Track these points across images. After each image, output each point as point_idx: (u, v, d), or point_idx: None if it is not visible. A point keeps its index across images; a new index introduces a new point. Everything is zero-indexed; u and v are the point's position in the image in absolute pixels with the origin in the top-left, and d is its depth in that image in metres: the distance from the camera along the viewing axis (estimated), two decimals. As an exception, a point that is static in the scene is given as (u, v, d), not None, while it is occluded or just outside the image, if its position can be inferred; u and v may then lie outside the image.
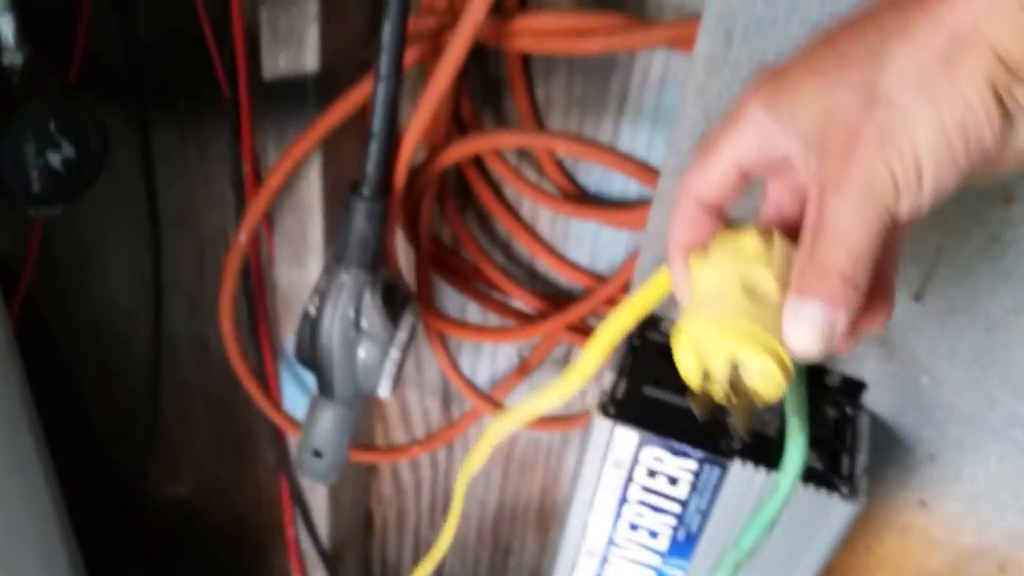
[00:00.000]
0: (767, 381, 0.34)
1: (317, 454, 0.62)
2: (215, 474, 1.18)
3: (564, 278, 0.79)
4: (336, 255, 0.55)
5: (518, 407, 0.48)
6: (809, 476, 0.50)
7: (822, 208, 0.30)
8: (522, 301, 0.77)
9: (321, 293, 0.56)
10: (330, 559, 0.97)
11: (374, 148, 0.52)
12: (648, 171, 0.62)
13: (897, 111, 0.28)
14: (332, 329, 0.56)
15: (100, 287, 1.03)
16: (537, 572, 1.06)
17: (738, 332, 0.33)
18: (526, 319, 0.77)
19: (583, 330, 0.76)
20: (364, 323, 0.56)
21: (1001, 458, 0.59)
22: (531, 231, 0.76)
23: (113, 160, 0.65)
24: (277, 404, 0.78)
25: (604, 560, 0.59)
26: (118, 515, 1.27)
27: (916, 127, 0.28)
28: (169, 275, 0.99)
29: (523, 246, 0.77)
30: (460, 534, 1.06)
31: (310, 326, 0.56)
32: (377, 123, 0.51)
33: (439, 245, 0.78)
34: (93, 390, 1.15)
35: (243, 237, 0.63)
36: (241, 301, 0.79)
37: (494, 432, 0.50)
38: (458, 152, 0.62)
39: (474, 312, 0.83)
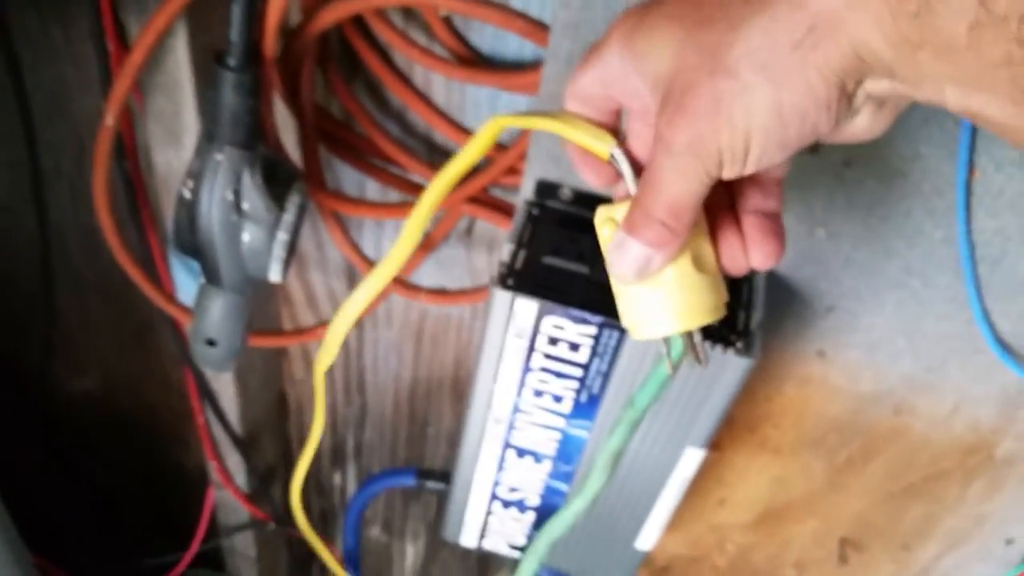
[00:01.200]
0: None
1: (211, 343, 0.60)
2: (120, 367, 1.14)
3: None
4: (208, 133, 0.51)
5: (359, 288, 0.46)
6: (704, 333, 0.50)
7: (652, 158, 0.32)
8: (420, 174, 0.74)
9: (195, 175, 0.52)
10: (243, 443, 0.96)
11: (236, 12, 0.47)
12: (541, 29, 0.59)
13: (739, 85, 0.28)
14: (211, 213, 0.52)
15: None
16: (455, 440, 1.08)
17: None
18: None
19: (485, 201, 0.74)
20: (245, 205, 0.53)
21: (898, 305, 0.60)
22: (425, 100, 0.72)
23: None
24: (169, 294, 0.75)
25: (510, 427, 0.59)
26: (25, 415, 1.23)
27: (753, 105, 0.28)
28: (48, 165, 0.92)
29: (418, 116, 0.73)
30: (377, 409, 1.07)
31: (186, 211, 0.53)
32: (238, -18, 0.47)
33: (328, 119, 0.73)
34: (-20, 290, 1.08)
35: (109, 120, 0.57)
36: (121, 188, 0.74)
37: (342, 319, 0.48)
38: (335, 13, 0.57)
39: (373, 189, 0.80)
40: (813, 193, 0.55)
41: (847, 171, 0.55)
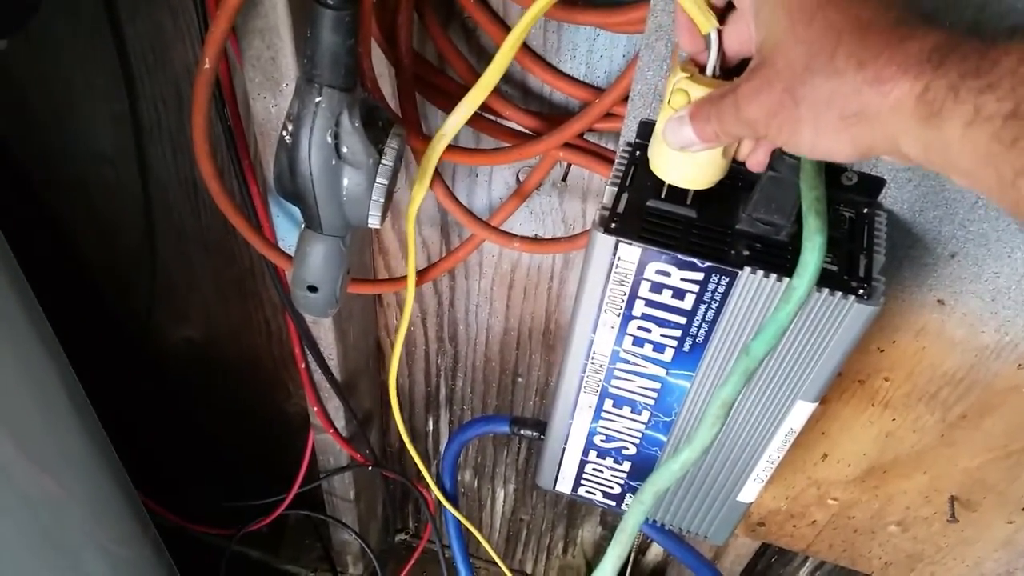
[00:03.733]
0: None
1: (312, 288, 0.60)
2: (223, 315, 1.18)
3: (559, 93, 0.74)
4: (306, 74, 0.51)
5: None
6: (824, 279, 0.47)
7: (745, 80, 0.38)
8: (516, 120, 0.73)
9: (294, 118, 0.52)
10: (343, 388, 0.98)
11: (334, -51, 0.46)
12: (645, -39, 0.56)
13: (797, 112, 0.36)
14: (311, 157, 0.52)
15: (81, 137, 0.99)
16: (545, 391, 1.08)
17: None
18: (521, 139, 0.73)
19: (582, 148, 0.72)
20: (345, 149, 0.52)
21: (1027, 250, 0.56)
22: (521, 43, 0.70)
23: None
24: (271, 241, 0.76)
25: (610, 375, 0.58)
26: (131, 363, 1.29)
27: (800, 131, 0.36)
28: (149, 118, 0.94)
29: (513, 60, 0.72)
30: (469, 360, 1.07)
31: (287, 155, 0.52)
32: (336, -81, 0.45)
33: (423, 64, 0.72)
34: (89, 243, 1.13)
35: (207, 63, 0.58)
36: (221, 137, 0.75)
37: (438, 142, 0.56)
38: (432, -48, 0.56)
39: (466, 135, 0.79)
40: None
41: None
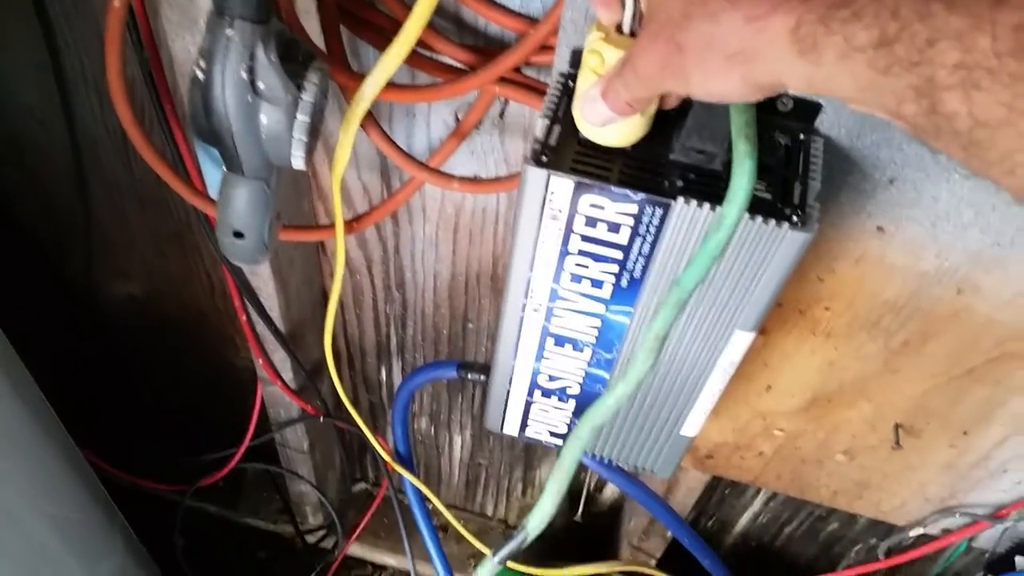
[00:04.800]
0: None
1: (238, 235, 0.58)
2: (162, 270, 1.14)
3: (494, 25, 0.72)
4: (216, 6, 0.48)
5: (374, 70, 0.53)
6: (756, 206, 0.46)
7: (638, 44, 0.39)
8: (450, 55, 0.70)
9: (206, 54, 0.49)
10: (287, 340, 0.96)
11: None
12: None
13: (685, 59, 0.36)
14: (225, 94, 0.49)
15: (4, 92, 0.94)
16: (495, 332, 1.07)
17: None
18: (457, 74, 0.71)
19: (518, 83, 0.70)
20: (261, 84, 0.50)
21: (966, 174, 0.56)
22: (452, -29, 0.68)
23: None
24: (200, 190, 0.73)
25: (549, 314, 0.57)
26: (73, 321, 1.25)
27: (691, 77, 0.37)
28: (72, 68, 0.90)
29: (445, -10, 0.69)
30: (418, 305, 1.06)
31: (200, 93, 0.50)
32: None
33: (351, -3, 0.69)
34: (23, 201, 1.08)
35: (116, 2, 0.54)
36: (141, 83, 0.71)
37: (356, 105, 0.54)
38: None
39: (401, 72, 0.76)
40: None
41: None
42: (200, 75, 0.49)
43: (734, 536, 1.35)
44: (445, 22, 0.73)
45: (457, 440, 1.33)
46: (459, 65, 0.71)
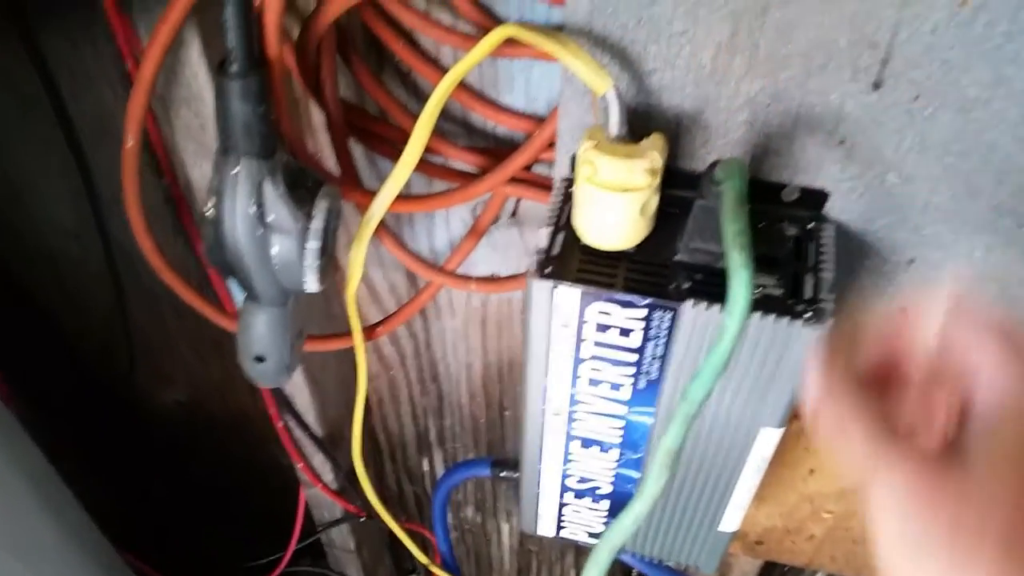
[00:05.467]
0: None
1: (259, 359, 0.59)
2: (204, 374, 1.16)
3: (503, 127, 0.73)
4: (222, 147, 0.50)
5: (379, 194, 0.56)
6: (768, 304, 0.46)
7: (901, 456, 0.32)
8: (460, 160, 0.71)
9: (215, 192, 0.50)
10: (325, 442, 0.96)
11: (230, 13, 0.45)
12: (562, -8, 0.55)
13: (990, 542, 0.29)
14: (236, 230, 0.50)
15: (41, 213, 0.98)
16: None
17: None
18: (469, 178, 0.72)
19: (529, 181, 0.70)
20: (270, 217, 0.51)
21: (988, 249, 0.54)
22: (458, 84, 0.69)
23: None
24: (224, 308, 0.74)
25: (570, 418, 0.56)
26: (118, 426, 1.27)
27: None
28: (104, 189, 0.93)
29: (452, 99, 0.70)
30: (454, 398, 1.05)
31: (212, 230, 0.51)
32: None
33: (362, 114, 0.71)
34: (64, 314, 1.12)
35: (130, 141, 0.57)
36: (163, 207, 0.73)
37: (360, 239, 0.56)
38: None
39: (417, 180, 0.78)
40: (880, 134, 0.50)
41: (916, 106, 0.49)
42: (211, 212, 0.51)
43: (799, 612, 1.29)
44: (455, 127, 0.74)
45: (505, 527, 1.31)
46: (471, 169, 0.72)
